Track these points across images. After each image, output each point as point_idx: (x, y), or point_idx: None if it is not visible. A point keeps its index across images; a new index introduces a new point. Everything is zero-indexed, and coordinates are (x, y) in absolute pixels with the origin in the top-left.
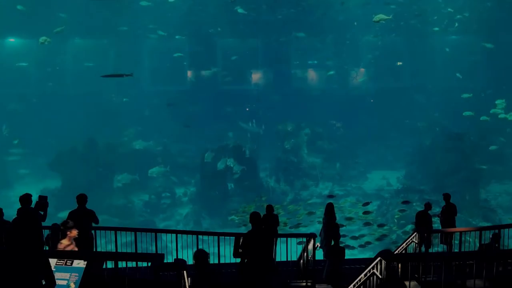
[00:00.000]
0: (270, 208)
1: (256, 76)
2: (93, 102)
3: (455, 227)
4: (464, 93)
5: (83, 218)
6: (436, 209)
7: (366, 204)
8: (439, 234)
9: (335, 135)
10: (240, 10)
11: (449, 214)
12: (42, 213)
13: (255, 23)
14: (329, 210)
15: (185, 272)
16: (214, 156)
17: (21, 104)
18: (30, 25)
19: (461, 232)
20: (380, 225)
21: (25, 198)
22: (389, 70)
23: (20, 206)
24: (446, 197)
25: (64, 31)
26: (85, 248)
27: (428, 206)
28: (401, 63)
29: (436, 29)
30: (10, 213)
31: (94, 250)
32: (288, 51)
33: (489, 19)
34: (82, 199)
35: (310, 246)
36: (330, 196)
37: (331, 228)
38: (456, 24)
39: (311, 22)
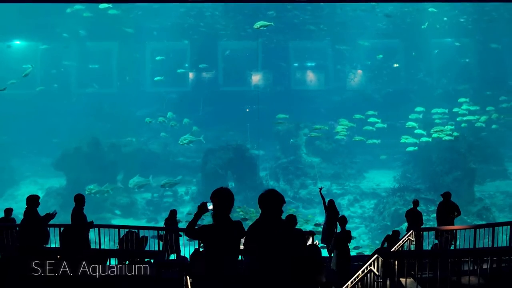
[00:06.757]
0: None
1: (256, 78)
2: (96, 102)
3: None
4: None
5: (76, 218)
6: (432, 207)
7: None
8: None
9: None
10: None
11: (446, 212)
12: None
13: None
14: (331, 207)
15: None
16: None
17: (25, 105)
18: (35, 27)
19: (455, 230)
20: None
21: (32, 199)
22: (386, 72)
23: (27, 207)
24: (446, 195)
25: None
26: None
27: (416, 203)
28: (397, 65)
29: (433, 30)
30: (15, 212)
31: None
32: (288, 53)
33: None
34: (77, 199)
35: None
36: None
37: (333, 222)
38: (446, 27)
39: (311, 24)
